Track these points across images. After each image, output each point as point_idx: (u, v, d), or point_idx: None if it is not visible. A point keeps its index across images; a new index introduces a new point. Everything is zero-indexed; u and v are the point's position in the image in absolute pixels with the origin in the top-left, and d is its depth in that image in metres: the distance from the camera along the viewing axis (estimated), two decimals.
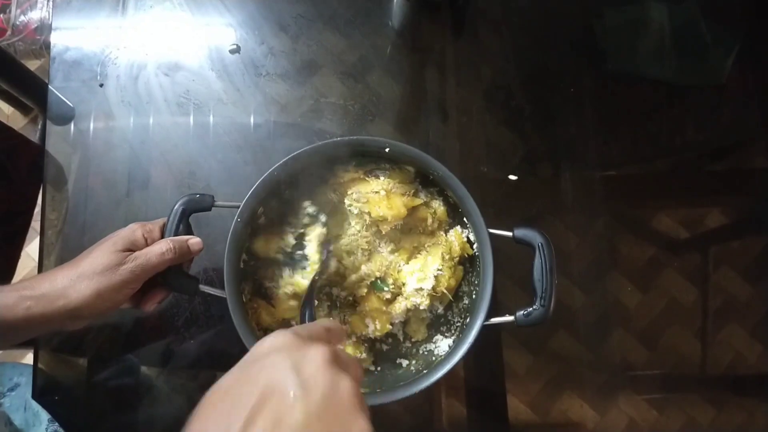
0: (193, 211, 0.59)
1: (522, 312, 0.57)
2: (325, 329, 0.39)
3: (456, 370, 0.62)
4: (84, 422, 0.70)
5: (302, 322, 0.57)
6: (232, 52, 0.79)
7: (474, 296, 0.66)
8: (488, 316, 0.58)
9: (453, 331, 0.67)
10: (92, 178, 0.75)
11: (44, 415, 0.69)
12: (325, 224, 0.64)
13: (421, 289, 0.64)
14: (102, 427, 0.70)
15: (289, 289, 0.63)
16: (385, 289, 0.65)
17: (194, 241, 0.57)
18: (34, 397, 0.69)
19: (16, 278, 1.03)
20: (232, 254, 0.59)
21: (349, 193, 0.65)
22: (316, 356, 0.33)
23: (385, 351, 0.67)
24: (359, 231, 0.65)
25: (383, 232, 0.65)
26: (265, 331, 0.64)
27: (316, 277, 0.61)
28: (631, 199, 0.83)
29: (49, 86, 0.77)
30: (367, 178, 0.66)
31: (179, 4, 0.81)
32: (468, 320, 0.62)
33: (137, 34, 0.79)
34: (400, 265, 0.66)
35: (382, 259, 0.66)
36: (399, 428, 0.72)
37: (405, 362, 0.66)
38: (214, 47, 0.80)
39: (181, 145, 0.77)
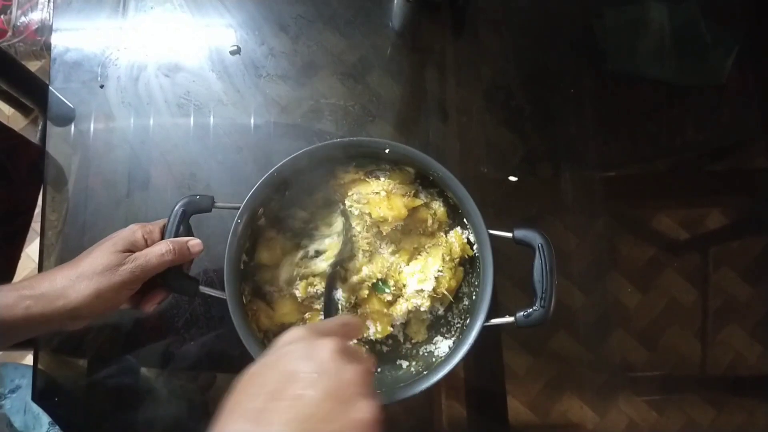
0: (194, 212, 0.59)
1: (522, 313, 0.57)
2: (341, 325, 0.45)
3: (456, 371, 0.62)
4: (84, 424, 0.70)
5: (326, 313, 0.61)
6: (232, 53, 0.79)
7: (474, 297, 0.66)
8: (488, 317, 0.58)
9: (453, 333, 0.67)
10: (92, 179, 0.75)
11: (45, 418, 0.69)
12: (343, 212, 0.65)
13: (422, 290, 0.63)
14: (102, 429, 0.70)
15: (318, 284, 0.64)
16: (387, 290, 0.65)
17: (194, 242, 0.57)
18: (34, 399, 0.69)
19: (16, 279, 1.03)
20: (232, 255, 0.59)
21: (349, 194, 0.65)
22: (326, 347, 0.38)
23: (385, 352, 0.67)
24: (360, 232, 0.65)
25: (384, 233, 0.65)
26: (265, 333, 0.64)
27: (337, 262, 0.63)
28: (631, 199, 0.83)
29: (50, 87, 0.77)
30: (367, 179, 0.66)
31: (180, 5, 0.81)
32: (468, 321, 0.62)
33: (138, 36, 0.79)
34: (400, 267, 0.66)
35: (383, 261, 0.65)
36: (399, 429, 0.72)
37: (405, 363, 0.66)
38: (214, 48, 0.80)
39: (182, 145, 0.77)
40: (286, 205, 0.66)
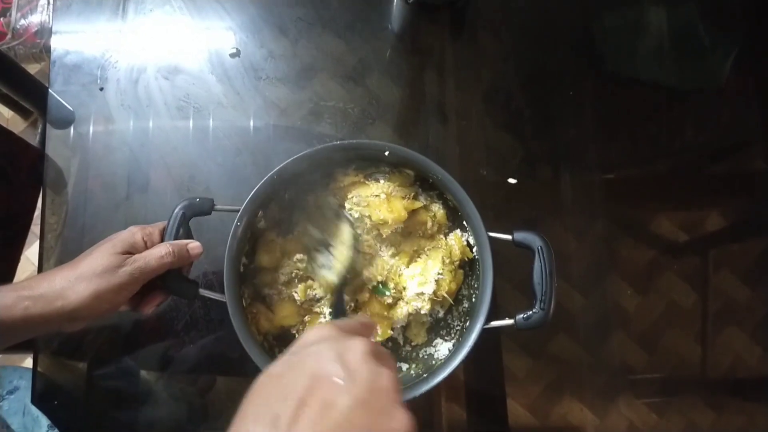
0: (193, 215, 0.59)
1: (522, 315, 0.57)
2: (362, 325, 0.42)
3: (456, 373, 0.62)
4: (83, 426, 0.70)
5: (336, 317, 0.59)
6: (232, 55, 0.79)
7: (474, 300, 0.66)
8: (488, 320, 0.58)
9: (453, 335, 0.67)
10: (92, 182, 0.75)
11: (44, 420, 0.69)
12: (351, 223, 0.64)
13: (422, 293, 0.63)
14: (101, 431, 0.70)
15: (317, 288, 0.64)
16: (387, 293, 0.65)
17: (194, 245, 0.57)
18: (33, 402, 0.69)
19: (16, 282, 1.03)
20: (232, 258, 0.59)
21: (349, 197, 0.65)
22: (358, 348, 0.35)
23: None
24: (360, 235, 0.65)
25: (384, 236, 0.65)
26: (265, 336, 0.64)
27: (347, 273, 0.62)
28: (630, 201, 0.83)
29: (49, 90, 0.77)
30: (367, 182, 0.66)
31: (179, 7, 0.81)
32: (468, 324, 0.62)
33: (137, 38, 0.79)
34: (400, 269, 0.66)
35: (383, 263, 0.65)
36: None
37: (405, 366, 0.66)
38: (213, 51, 0.80)
39: (181, 148, 0.77)
40: (287, 208, 0.66)
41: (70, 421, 0.69)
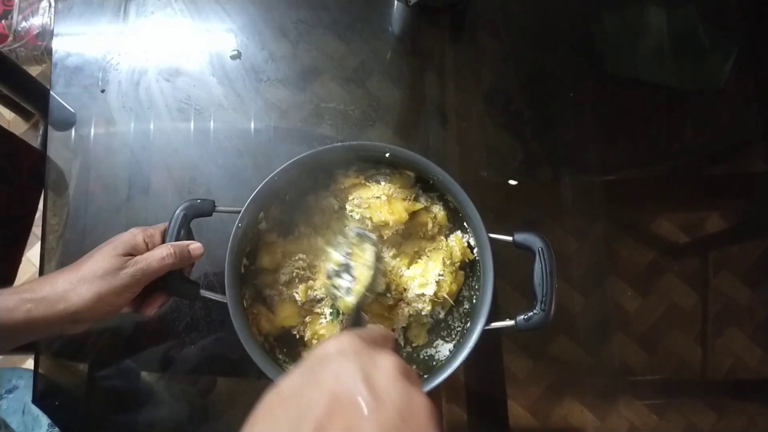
0: (194, 216, 0.59)
1: (522, 316, 0.57)
2: (381, 335, 0.38)
3: (456, 374, 0.62)
4: (84, 427, 0.70)
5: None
6: (232, 57, 0.80)
7: (474, 301, 0.66)
8: (489, 321, 0.58)
9: (453, 336, 0.67)
10: (93, 184, 0.75)
11: (44, 420, 0.69)
12: (374, 243, 0.61)
13: (423, 294, 0.64)
14: None
15: (318, 289, 0.64)
16: (388, 294, 0.65)
17: (195, 246, 0.58)
18: (34, 401, 0.69)
19: (17, 283, 1.03)
20: (233, 259, 0.59)
21: (350, 198, 0.65)
22: (388, 366, 0.30)
23: None
24: (383, 255, 0.65)
25: (384, 238, 0.65)
26: (266, 337, 0.64)
27: (367, 294, 0.58)
28: (630, 202, 0.83)
29: (51, 92, 0.77)
30: (367, 183, 0.66)
31: (180, 10, 0.81)
32: (468, 325, 0.62)
33: (138, 40, 0.80)
34: (401, 271, 0.66)
35: (385, 265, 0.66)
36: None
37: None
38: (214, 53, 0.80)
39: (182, 150, 0.77)
40: (288, 210, 0.66)
41: (71, 421, 0.69)
